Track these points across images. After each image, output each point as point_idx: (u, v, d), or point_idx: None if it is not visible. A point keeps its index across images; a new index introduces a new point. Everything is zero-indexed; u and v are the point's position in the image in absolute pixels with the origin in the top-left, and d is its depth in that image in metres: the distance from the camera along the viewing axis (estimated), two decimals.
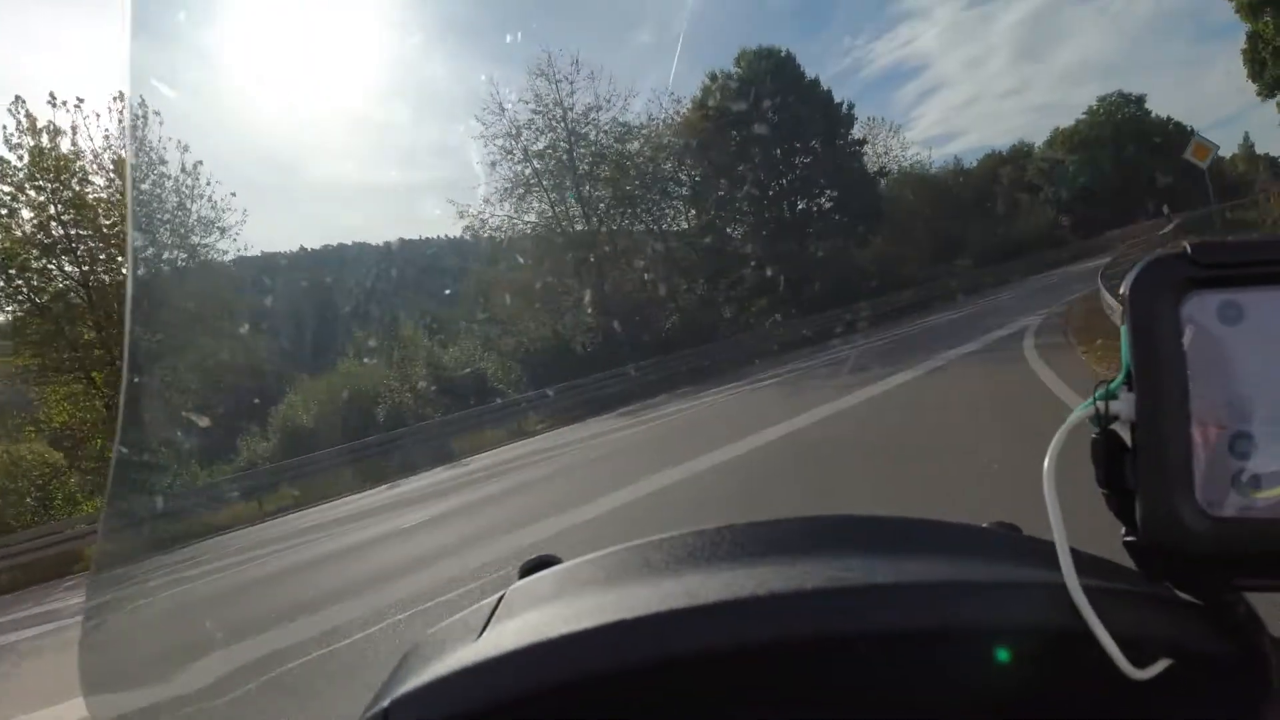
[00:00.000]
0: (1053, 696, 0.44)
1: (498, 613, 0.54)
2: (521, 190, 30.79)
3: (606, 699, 0.42)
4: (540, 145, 30.85)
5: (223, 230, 22.56)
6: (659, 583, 0.49)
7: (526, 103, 30.35)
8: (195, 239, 22.31)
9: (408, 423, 21.27)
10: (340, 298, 31.57)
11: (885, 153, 41.05)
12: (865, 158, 38.84)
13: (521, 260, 31.40)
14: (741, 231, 36.92)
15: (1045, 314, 15.00)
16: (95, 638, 6.44)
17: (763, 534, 0.56)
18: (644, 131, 32.51)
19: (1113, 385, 0.45)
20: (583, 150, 31.28)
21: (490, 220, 30.65)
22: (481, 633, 0.50)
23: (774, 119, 36.04)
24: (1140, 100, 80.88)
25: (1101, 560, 0.50)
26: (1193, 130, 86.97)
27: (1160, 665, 0.41)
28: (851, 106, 38.04)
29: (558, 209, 31.43)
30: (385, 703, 0.45)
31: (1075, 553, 0.44)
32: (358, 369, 24.98)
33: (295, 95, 40.48)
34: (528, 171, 30.80)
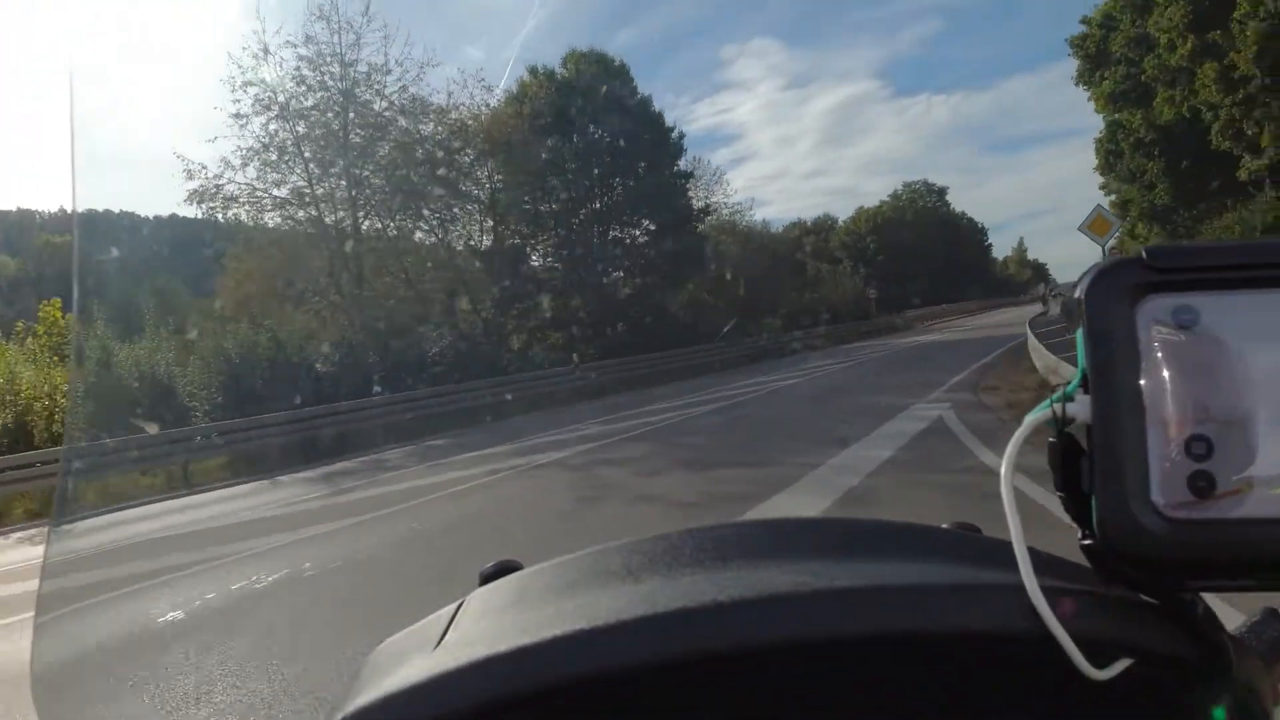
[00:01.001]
0: (1014, 699, 0.44)
1: (455, 621, 0.52)
2: (274, 155, 24.18)
3: (565, 709, 0.42)
4: (308, 103, 24.47)
5: None
6: (620, 589, 0.49)
7: (295, 46, 24.01)
8: None
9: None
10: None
11: (708, 195, 37.68)
12: (690, 194, 35.15)
13: (255, 246, 24.64)
14: (544, 252, 31.97)
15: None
16: None
17: (726, 537, 0.54)
18: (442, 114, 26.76)
19: (1069, 388, 0.45)
20: (359, 120, 25.17)
21: (227, 188, 23.73)
22: (439, 642, 0.49)
23: (596, 132, 31.60)
24: (942, 191, 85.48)
25: (1060, 560, 0.49)
26: (984, 227, 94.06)
27: (1120, 665, 0.42)
28: (682, 136, 34.34)
29: (318, 187, 25.02)
30: (341, 715, 0.44)
31: (1034, 553, 0.45)
32: None
33: None
34: (283, 134, 24.29)
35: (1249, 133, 20.46)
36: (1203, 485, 0.40)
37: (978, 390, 11.39)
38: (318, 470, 12.41)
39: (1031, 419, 0.46)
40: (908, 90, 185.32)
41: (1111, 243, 15.57)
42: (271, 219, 25.02)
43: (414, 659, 0.47)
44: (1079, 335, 0.44)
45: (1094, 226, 15.49)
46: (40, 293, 28.61)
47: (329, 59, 24.39)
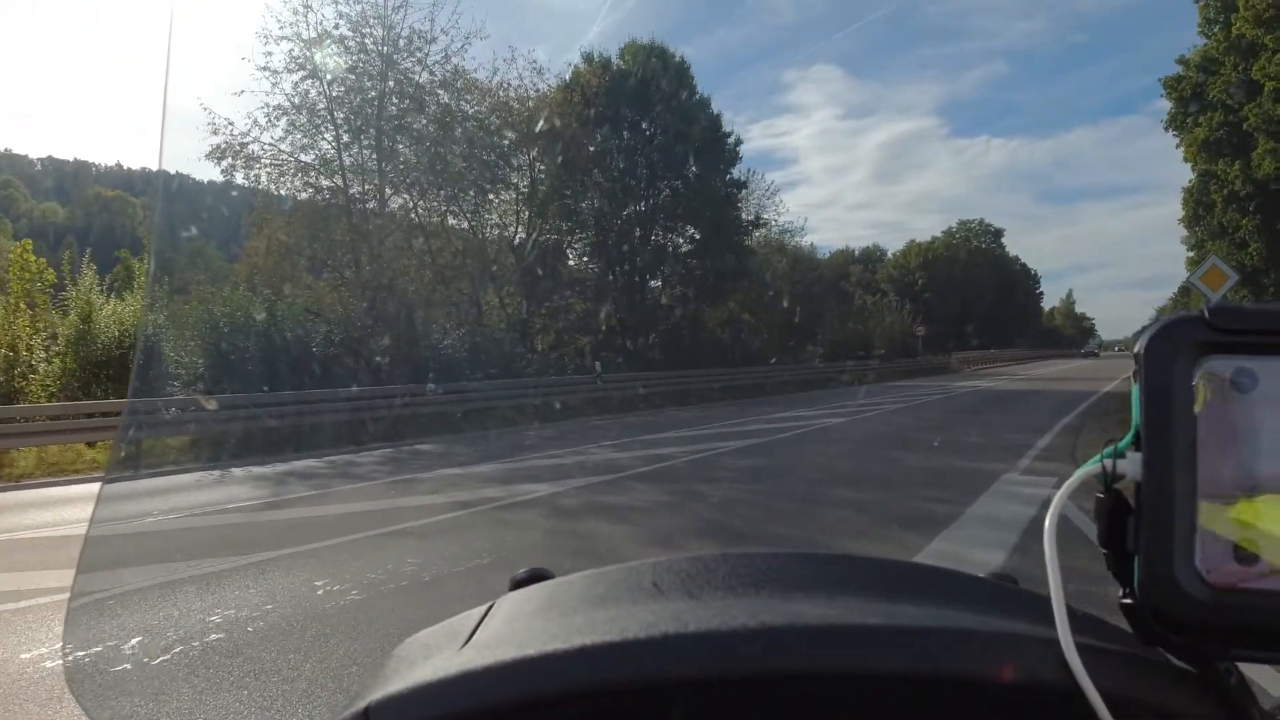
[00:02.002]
0: None
1: (485, 622, 0.53)
2: (304, 117, 22.50)
3: (588, 716, 0.43)
4: (344, 64, 22.78)
5: None
6: (649, 606, 0.49)
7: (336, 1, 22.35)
8: None
9: None
10: None
11: (760, 210, 35.47)
12: (741, 206, 33.01)
13: (275, 212, 22.98)
14: (580, 251, 30.07)
15: None
16: None
17: (760, 565, 0.55)
18: (485, 92, 24.93)
19: (1120, 444, 0.44)
20: (397, 88, 23.43)
21: (250, 147, 22.05)
22: (467, 641, 0.50)
23: (649, 129, 29.65)
24: (999, 233, 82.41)
25: (1096, 619, 0.49)
26: (1038, 275, 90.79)
27: None
28: (739, 143, 32.24)
29: (346, 155, 23.25)
30: (366, 702, 0.44)
31: (1070, 610, 0.44)
32: None
33: None
34: (314, 93, 22.60)
35: None
36: (1249, 554, 0.40)
37: (1080, 461, 9.22)
38: (268, 467, 10.55)
39: (1081, 473, 0.45)
40: (966, 131, 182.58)
41: (1219, 297, 13.40)
42: (292, 184, 23.25)
43: (442, 654, 0.48)
44: (1134, 391, 0.43)
45: (1207, 278, 13.31)
46: (84, 242, 27.24)
47: (371, 20, 22.74)
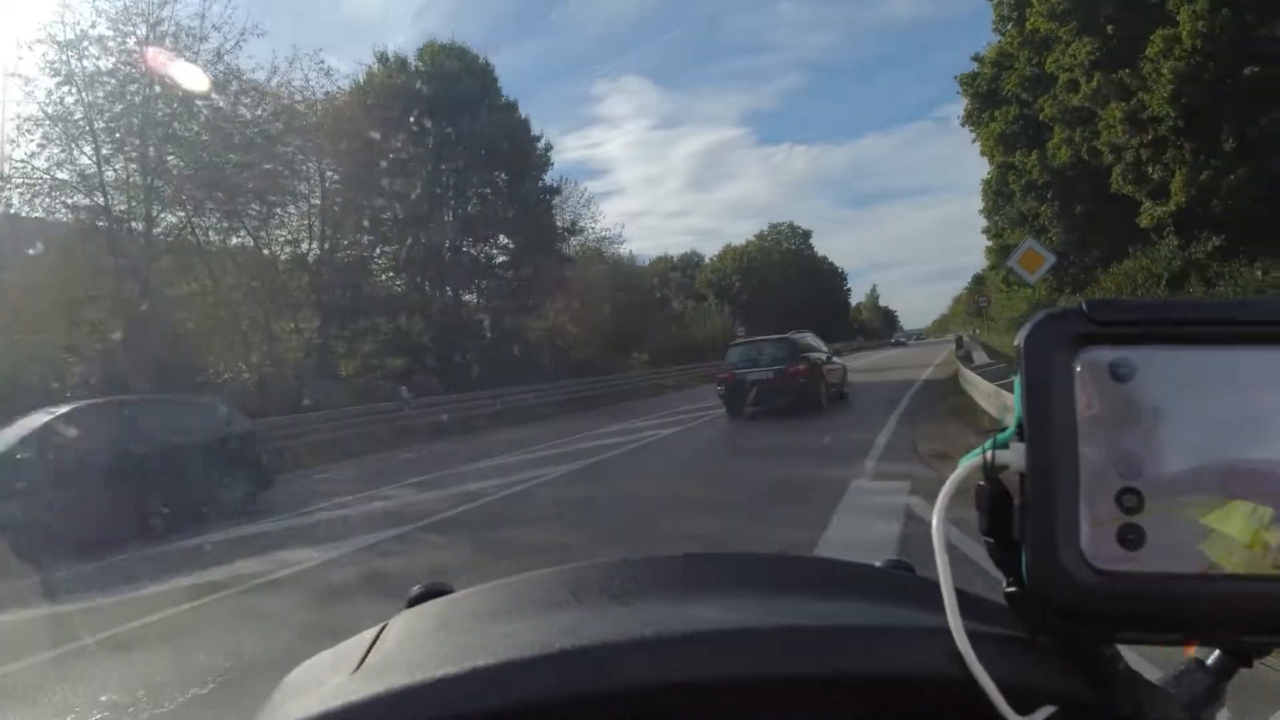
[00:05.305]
0: None
1: (376, 645, 0.52)
2: (59, 129, 19.12)
3: None
4: (106, 65, 19.63)
5: None
6: (547, 618, 0.50)
7: None
8: None
9: None
10: None
11: (576, 217, 34.36)
12: (555, 213, 31.78)
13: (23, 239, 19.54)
14: (384, 266, 27.71)
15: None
16: None
17: (657, 569, 0.56)
18: (263, 94, 22.23)
19: (1002, 436, 0.45)
20: (164, 92, 20.47)
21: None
22: (358, 666, 0.49)
23: (452, 134, 27.84)
24: (807, 235, 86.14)
25: (990, 602, 0.50)
26: (844, 272, 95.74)
27: (1044, 713, 0.42)
28: (550, 148, 31.03)
29: (107, 170, 20.03)
30: None
31: (962, 595, 0.45)
32: None
33: None
34: (72, 101, 19.29)
35: (1154, 176, 19.24)
36: (1133, 538, 0.41)
37: (926, 457, 8.55)
38: None
39: (966, 463, 0.45)
40: (771, 139, 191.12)
41: (1037, 279, 13.52)
42: (44, 206, 19.72)
43: (332, 681, 0.46)
44: (1016, 383, 0.44)
45: (1024, 261, 13.36)
46: None
47: (134, 16, 19.72)
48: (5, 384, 14.74)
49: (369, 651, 0.50)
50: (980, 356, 23.70)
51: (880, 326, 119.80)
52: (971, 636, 0.42)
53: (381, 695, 0.41)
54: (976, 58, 27.63)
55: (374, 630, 0.55)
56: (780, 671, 0.42)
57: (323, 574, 5.84)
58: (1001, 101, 26.36)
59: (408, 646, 0.49)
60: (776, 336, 15.90)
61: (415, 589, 0.63)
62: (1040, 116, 23.16)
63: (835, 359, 17.18)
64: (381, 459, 14.08)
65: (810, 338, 16.30)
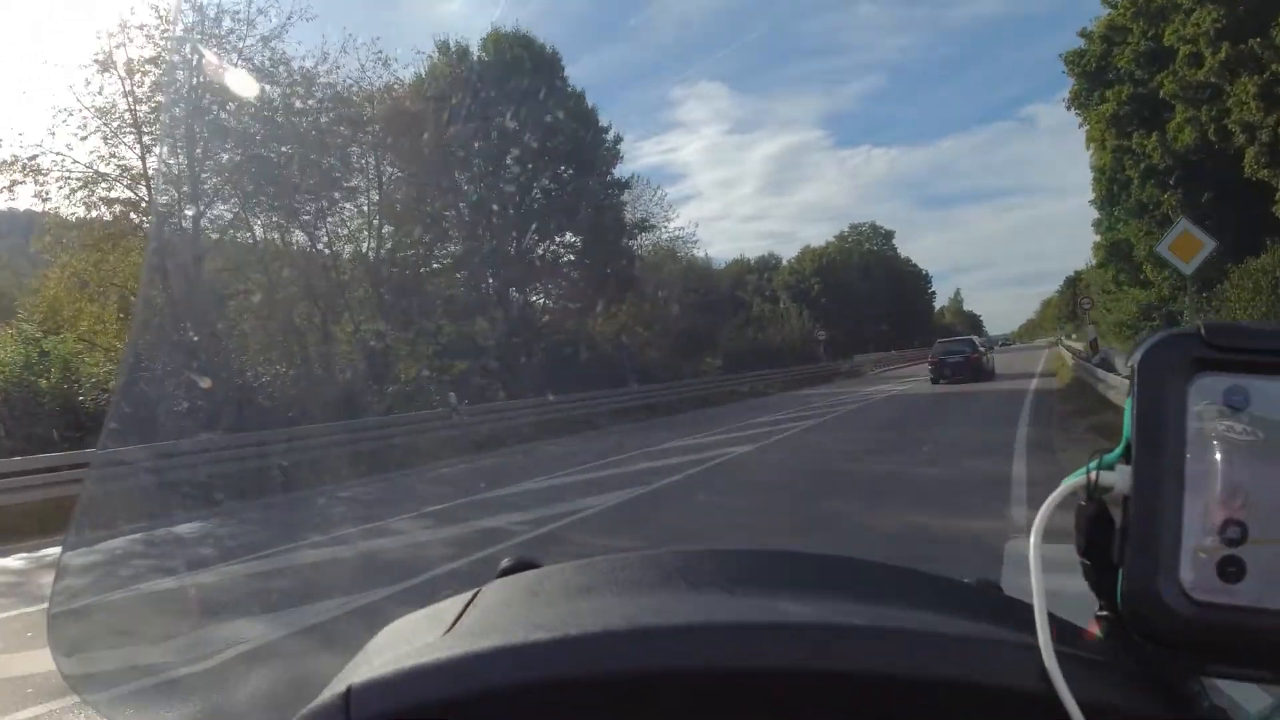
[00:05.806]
0: None
1: (469, 609, 0.54)
2: (99, 119, 18.34)
3: (564, 704, 0.43)
4: (147, 53, 18.79)
5: None
6: (632, 598, 0.51)
7: None
8: None
9: None
10: None
11: (648, 214, 32.69)
12: (625, 209, 30.18)
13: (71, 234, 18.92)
14: (448, 265, 26.47)
15: None
16: None
17: (747, 563, 0.57)
18: (312, 83, 21.10)
19: (1108, 457, 0.44)
20: (212, 80, 19.59)
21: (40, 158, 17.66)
22: (451, 627, 0.50)
23: (517, 125, 26.43)
24: (890, 235, 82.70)
25: (1077, 628, 0.50)
26: (929, 275, 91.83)
27: None
28: (619, 140, 29.44)
29: (153, 160, 19.18)
30: (347, 684, 0.45)
31: (1051, 617, 0.45)
32: None
33: None
34: (113, 90, 18.48)
35: None
36: (1233, 571, 0.40)
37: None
38: None
39: (1069, 483, 0.46)
40: (848, 142, 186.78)
41: (1194, 268, 11.17)
42: (84, 199, 18.98)
43: (425, 639, 0.48)
44: (1127, 404, 0.44)
45: (1178, 246, 11.06)
46: None
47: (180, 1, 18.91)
48: None
49: (461, 615, 0.52)
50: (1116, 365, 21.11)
51: (964, 331, 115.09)
52: (1059, 656, 0.42)
53: (476, 653, 0.43)
54: (1084, 33, 24.97)
55: (466, 595, 0.55)
56: (864, 668, 0.42)
57: (242, 671, 4.18)
58: (1113, 80, 23.68)
59: (499, 612, 0.52)
60: (961, 338, 29.49)
61: (505, 561, 0.64)
62: (1160, 94, 20.50)
63: (989, 353, 28.42)
64: (415, 475, 12.61)
65: (975, 339, 29.14)
